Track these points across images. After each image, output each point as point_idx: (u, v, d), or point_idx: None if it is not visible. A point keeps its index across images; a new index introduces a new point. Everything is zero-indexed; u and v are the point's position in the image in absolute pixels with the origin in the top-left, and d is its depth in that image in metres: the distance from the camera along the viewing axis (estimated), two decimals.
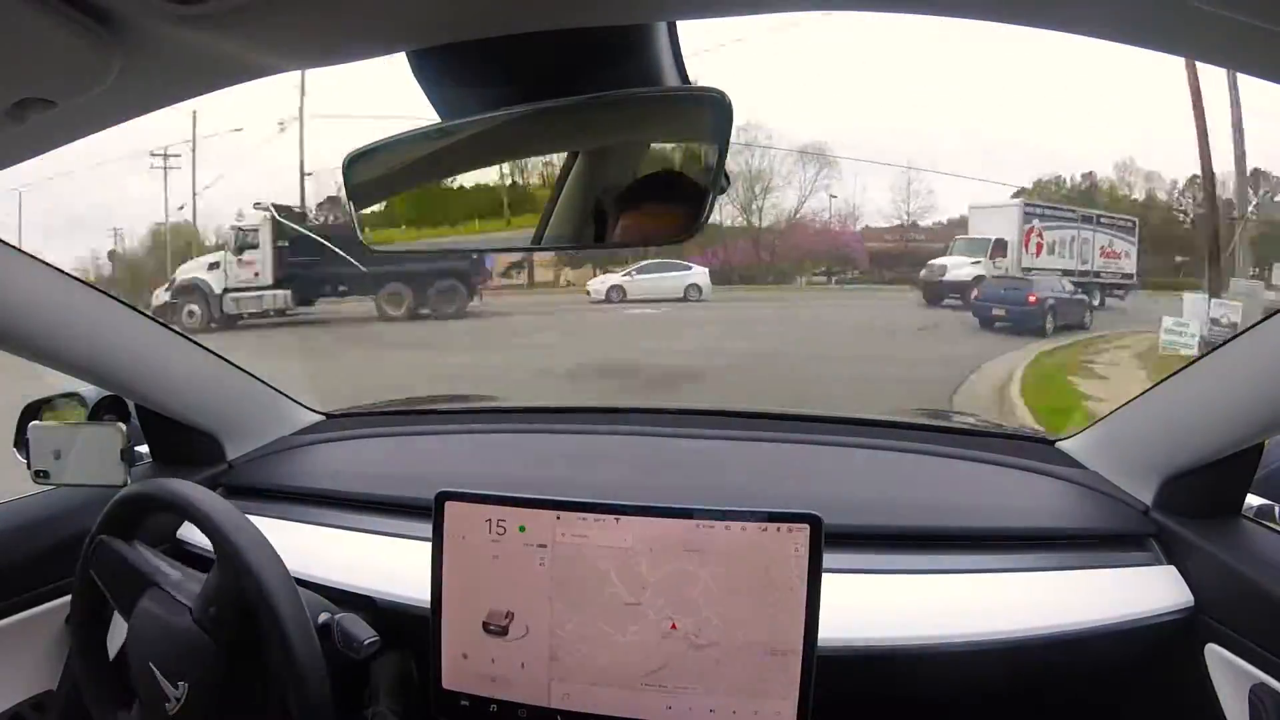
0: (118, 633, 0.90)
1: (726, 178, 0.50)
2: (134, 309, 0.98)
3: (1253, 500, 0.88)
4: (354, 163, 0.57)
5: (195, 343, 1.08)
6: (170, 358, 1.05)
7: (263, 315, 9.47)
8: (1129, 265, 10.68)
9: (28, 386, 1.12)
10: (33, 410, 1.08)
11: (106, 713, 0.84)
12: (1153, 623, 0.81)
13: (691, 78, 0.51)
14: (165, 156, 11.21)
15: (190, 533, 1.06)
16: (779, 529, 0.73)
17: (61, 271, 0.87)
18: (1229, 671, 0.77)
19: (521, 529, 0.77)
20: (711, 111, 0.47)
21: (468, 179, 0.57)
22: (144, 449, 1.14)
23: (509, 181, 0.56)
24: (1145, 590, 0.84)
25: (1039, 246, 10.16)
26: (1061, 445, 1.06)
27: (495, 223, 0.57)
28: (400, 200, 0.59)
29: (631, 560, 0.75)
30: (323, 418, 1.31)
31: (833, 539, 0.74)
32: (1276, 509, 0.88)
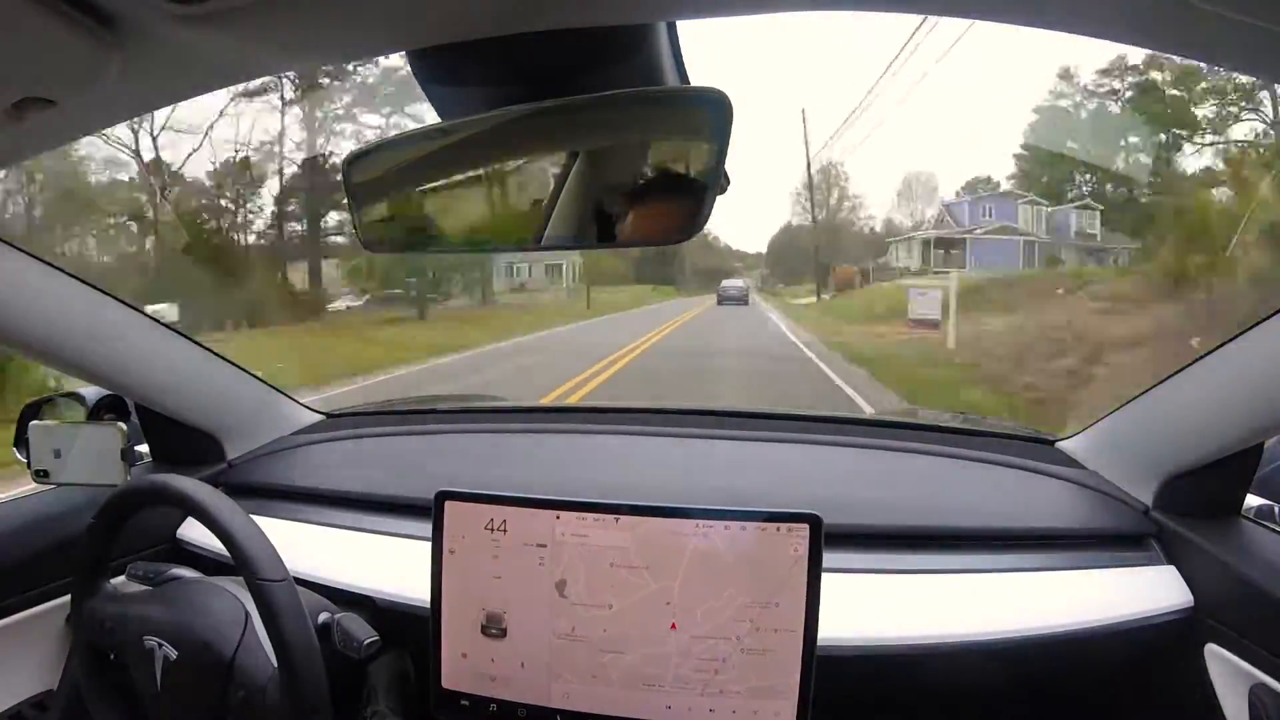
0: None
1: (726, 177, 0.50)
2: (134, 308, 0.98)
3: (1253, 500, 0.88)
4: (354, 162, 0.57)
5: (195, 342, 1.08)
6: (170, 357, 1.05)
7: None
8: None
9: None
10: (33, 410, 1.08)
11: (107, 712, 0.84)
12: (1153, 623, 0.81)
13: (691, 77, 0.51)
14: None
15: (190, 532, 1.06)
16: (779, 529, 0.73)
17: (61, 270, 0.87)
18: (1229, 671, 0.77)
19: (521, 529, 0.77)
20: (711, 111, 0.47)
21: (467, 179, 0.57)
22: (144, 448, 1.14)
23: (508, 182, 0.56)
24: (1145, 590, 0.84)
25: None
26: (1061, 445, 1.06)
27: (495, 223, 0.57)
28: (400, 200, 0.59)
29: (631, 560, 0.75)
30: (322, 417, 1.31)
31: (833, 539, 0.74)
32: (1276, 509, 0.88)
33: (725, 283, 20.88)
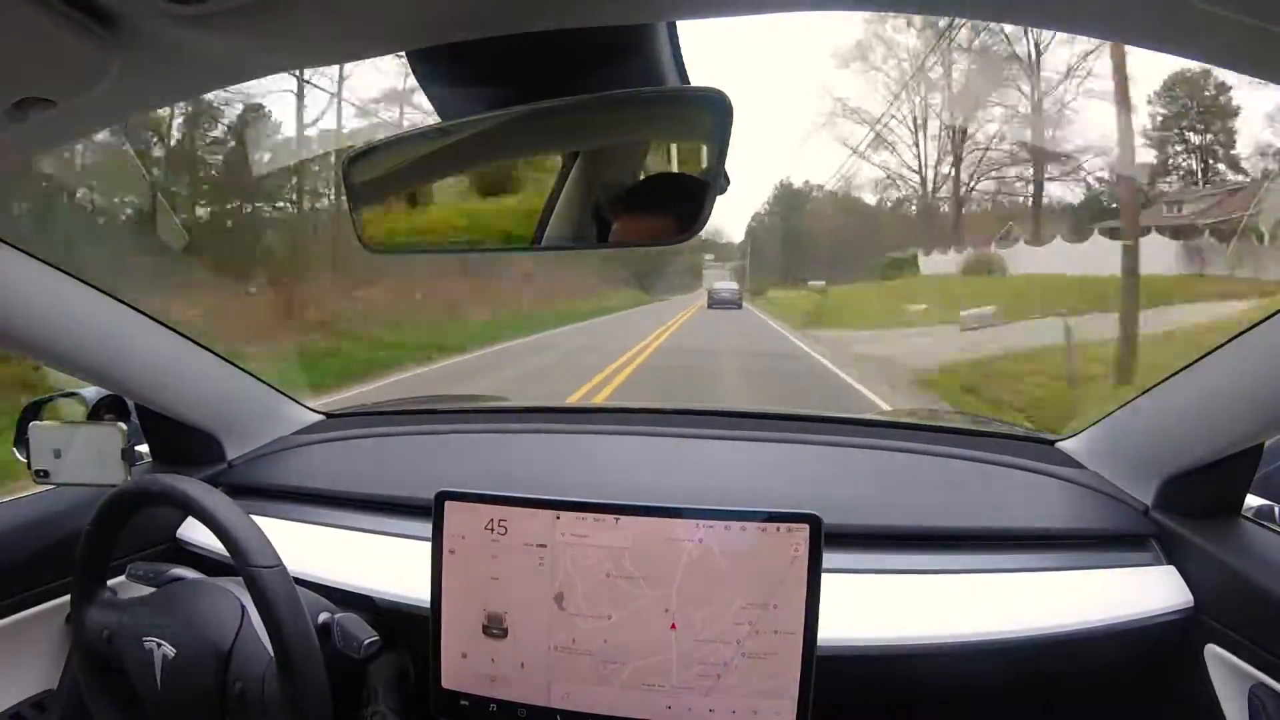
0: None
1: (726, 177, 0.50)
2: (134, 308, 0.98)
3: (1253, 500, 0.88)
4: (354, 162, 0.57)
5: (196, 342, 1.08)
6: (171, 357, 1.05)
7: None
8: None
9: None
10: (33, 410, 1.08)
11: (107, 712, 0.84)
12: (1153, 623, 0.81)
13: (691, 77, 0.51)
14: None
15: (190, 532, 1.06)
16: (779, 529, 0.73)
17: (61, 270, 0.87)
18: (1229, 671, 0.77)
19: (521, 529, 0.77)
20: (711, 111, 0.47)
21: (467, 179, 0.57)
22: (144, 449, 1.14)
23: (508, 181, 0.56)
24: (1145, 590, 0.84)
25: None
26: (1061, 445, 1.06)
27: (494, 223, 0.57)
28: (400, 200, 0.59)
29: (631, 560, 0.75)
30: (322, 417, 1.31)
31: (833, 539, 0.74)
32: (1276, 509, 0.88)
33: (717, 284, 21.76)
